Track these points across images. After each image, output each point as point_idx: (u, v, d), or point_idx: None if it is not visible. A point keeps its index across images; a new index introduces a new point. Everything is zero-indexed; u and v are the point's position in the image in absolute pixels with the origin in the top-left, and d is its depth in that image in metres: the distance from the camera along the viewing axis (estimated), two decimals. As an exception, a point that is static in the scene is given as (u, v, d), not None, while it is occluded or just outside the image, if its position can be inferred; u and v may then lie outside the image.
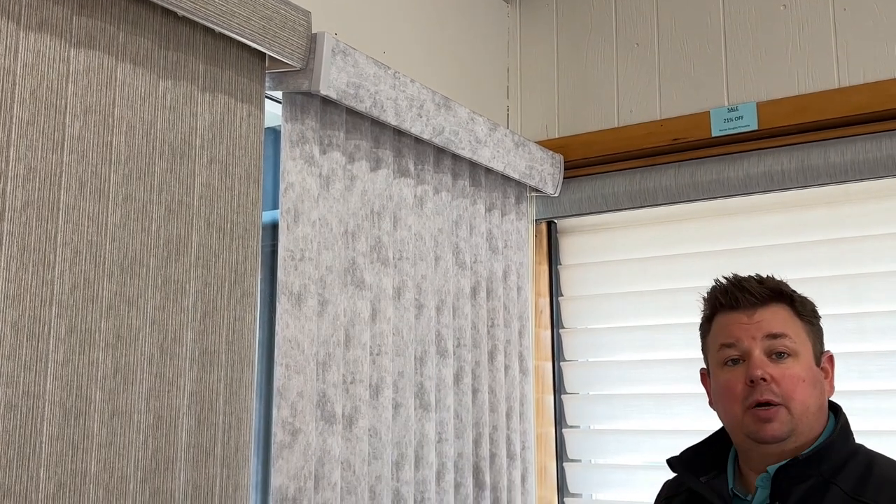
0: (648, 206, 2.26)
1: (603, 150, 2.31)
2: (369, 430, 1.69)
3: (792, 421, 1.24)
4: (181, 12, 1.35)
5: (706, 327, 1.38)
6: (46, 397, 1.15)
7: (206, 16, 1.36)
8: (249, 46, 1.48)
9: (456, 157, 2.03)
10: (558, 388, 2.38)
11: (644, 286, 2.31)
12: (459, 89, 2.24)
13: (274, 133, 1.74)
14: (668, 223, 2.30)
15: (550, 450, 2.34)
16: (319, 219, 1.62)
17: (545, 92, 2.47)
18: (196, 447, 1.35)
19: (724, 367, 1.31)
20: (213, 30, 1.42)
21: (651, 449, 2.22)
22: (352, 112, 1.71)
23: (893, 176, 1.96)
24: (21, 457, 1.12)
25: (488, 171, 2.15)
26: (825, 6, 2.09)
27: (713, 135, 2.15)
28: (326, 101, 1.65)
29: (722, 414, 1.33)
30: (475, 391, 2.03)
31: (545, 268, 2.43)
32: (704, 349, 1.39)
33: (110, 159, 1.27)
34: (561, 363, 2.40)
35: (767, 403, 1.24)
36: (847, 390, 1.99)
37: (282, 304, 1.53)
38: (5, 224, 1.13)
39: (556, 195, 2.36)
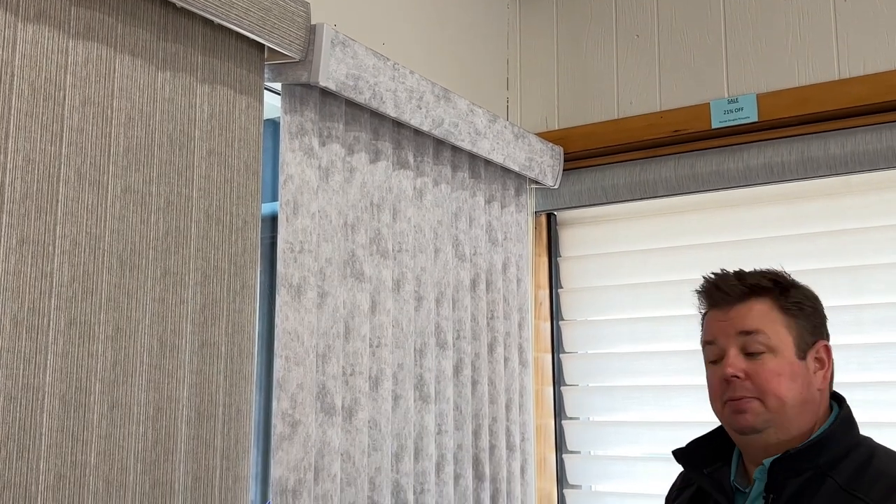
0: (648, 198, 2.26)
1: (603, 141, 2.31)
2: (369, 421, 1.69)
3: (767, 413, 1.25)
4: (180, 3, 1.34)
5: (701, 324, 1.40)
6: (46, 389, 1.16)
7: (204, 7, 1.35)
8: (248, 38, 1.48)
9: (455, 149, 2.03)
10: (558, 379, 2.38)
11: (643, 278, 2.31)
12: (459, 81, 2.24)
13: (273, 125, 1.74)
14: (667, 215, 2.30)
15: (550, 441, 2.35)
16: (319, 211, 1.62)
17: (545, 83, 2.47)
18: (196, 439, 1.35)
19: (708, 365, 1.34)
20: (211, 21, 1.42)
21: (650, 440, 2.23)
22: (351, 104, 1.71)
23: (894, 167, 1.96)
24: (21, 448, 1.12)
25: (488, 162, 2.15)
26: (826, -3, 2.09)
27: (713, 126, 2.15)
28: (325, 93, 1.65)
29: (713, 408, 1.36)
30: (475, 383, 2.03)
31: (545, 260, 2.43)
32: None
33: (109, 151, 1.27)
34: (560, 355, 2.40)
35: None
36: (847, 382, 1.99)
37: (281, 296, 1.53)
38: (4, 216, 1.13)
39: (555, 187, 2.36)
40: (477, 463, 2.01)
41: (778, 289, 1.31)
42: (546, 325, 2.40)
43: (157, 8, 1.35)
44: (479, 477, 2.02)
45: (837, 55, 2.05)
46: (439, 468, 1.89)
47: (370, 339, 1.72)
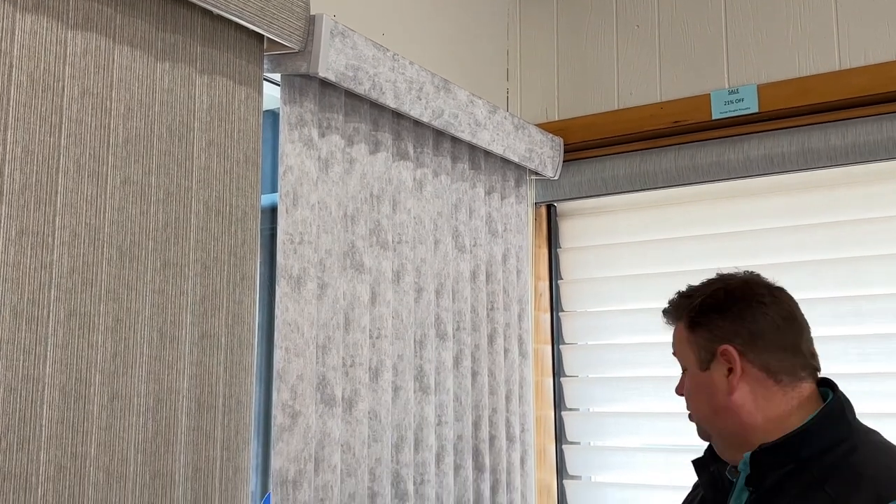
0: (648, 188, 2.26)
1: (603, 132, 2.31)
2: (369, 412, 1.69)
3: (700, 426, 1.35)
4: (179, -6, 1.34)
5: None
6: (46, 380, 1.16)
7: (203, -3, 1.35)
8: (247, 28, 1.47)
9: (455, 140, 2.03)
10: (557, 370, 2.39)
11: (644, 269, 2.31)
12: (459, 72, 2.23)
13: (273, 116, 1.73)
14: (668, 206, 2.30)
15: (550, 432, 2.35)
16: (318, 202, 1.62)
17: (545, 74, 2.46)
18: (196, 430, 1.35)
19: None
20: (210, 11, 1.41)
21: (650, 431, 2.23)
22: (351, 94, 1.70)
23: (894, 158, 1.95)
24: (21, 440, 1.12)
25: (488, 154, 2.15)
26: (827, -13, 2.08)
27: (714, 117, 2.14)
28: (325, 84, 1.64)
29: None
30: (475, 374, 2.04)
31: (545, 251, 2.43)
32: None
33: (108, 142, 1.26)
34: (560, 346, 2.40)
35: None
36: (846, 373, 1.99)
37: (281, 288, 1.53)
38: (3, 207, 1.13)
39: (555, 178, 2.35)
40: (477, 454, 2.02)
41: (687, 306, 1.35)
42: (546, 317, 2.40)
43: (156, -2, 1.35)
44: (478, 468, 2.02)
45: (838, 46, 2.04)
46: (439, 459, 1.89)
47: (370, 330, 1.72)
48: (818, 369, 1.32)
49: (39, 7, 1.18)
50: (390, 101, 1.73)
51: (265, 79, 1.56)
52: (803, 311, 1.33)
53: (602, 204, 2.40)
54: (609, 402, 2.32)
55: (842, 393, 1.31)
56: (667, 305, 1.39)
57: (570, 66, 2.43)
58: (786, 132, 2.07)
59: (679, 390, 1.38)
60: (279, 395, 1.51)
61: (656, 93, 2.28)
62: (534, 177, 2.38)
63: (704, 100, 2.17)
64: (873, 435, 1.28)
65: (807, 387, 1.29)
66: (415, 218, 1.86)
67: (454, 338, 1.98)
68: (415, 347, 1.84)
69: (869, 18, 2.02)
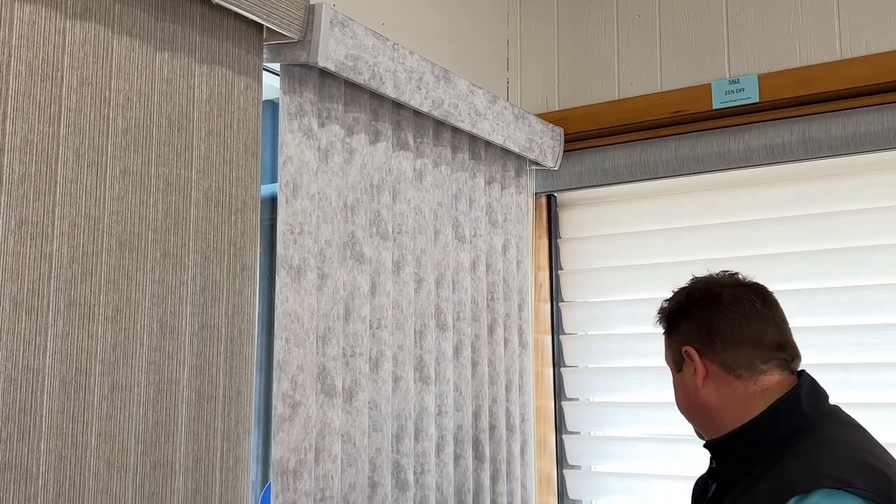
0: (649, 179, 2.26)
1: (603, 122, 2.30)
2: (369, 402, 1.70)
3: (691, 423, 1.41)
4: (177, -17, 1.33)
5: None
6: (46, 371, 1.16)
7: (202, -13, 1.34)
8: (247, 18, 1.47)
9: (455, 130, 2.02)
10: (557, 360, 2.39)
11: (644, 259, 2.31)
12: (459, 61, 2.22)
13: (272, 106, 1.73)
14: (668, 196, 2.30)
15: (550, 422, 2.36)
16: (318, 192, 1.62)
17: (545, 64, 2.46)
18: (196, 420, 1.36)
19: None
20: (209, 1, 1.41)
21: (649, 421, 2.24)
22: (350, 84, 1.70)
23: (895, 148, 1.95)
24: (21, 430, 1.12)
25: (488, 144, 2.14)
26: (828, -23, 2.07)
27: (714, 107, 2.14)
28: (325, 74, 1.64)
29: None
30: (475, 364, 2.04)
31: (545, 241, 2.42)
32: None
33: (107, 132, 1.26)
34: (560, 336, 2.40)
35: None
36: (846, 363, 2.00)
37: (281, 278, 1.53)
38: (3, 198, 1.13)
39: (555, 168, 2.35)
40: (477, 444, 2.02)
41: (664, 313, 1.44)
42: (546, 307, 2.40)
43: (155, -12, 1.34)
44: (479, 457, 2.02)
45: (839, 35, 2.04)
46: (439, 449, 1.89)
47: (370, 320, 1.72)
48: (789, 359, 1.32)
49: (38, -4, 1.18)
50: (390, 91, 1.73)
51: (265, 68, 1.55)
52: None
53: (602, 194, 2.39)
54: (609, 391, 2.33)
55: (807, 382, 1.30)
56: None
57: (571, 56, 2.42)
58: (787, 122, 2.06)
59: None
60: (279, 386, 1.51)
61: (657, 82, 2.27)
62: (534, 167, 2.37)
63: (705, 89, 2.16)
64: (831, 425, 1.26)
65: (769, 379, 1.30)
66: (415, 208, 1.86)
67: (454, 328, 1.98)
68: (415, 338, 1.84)
69: (870, 8, 2.01)
